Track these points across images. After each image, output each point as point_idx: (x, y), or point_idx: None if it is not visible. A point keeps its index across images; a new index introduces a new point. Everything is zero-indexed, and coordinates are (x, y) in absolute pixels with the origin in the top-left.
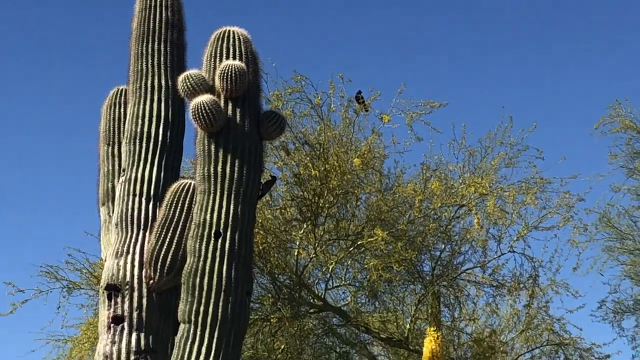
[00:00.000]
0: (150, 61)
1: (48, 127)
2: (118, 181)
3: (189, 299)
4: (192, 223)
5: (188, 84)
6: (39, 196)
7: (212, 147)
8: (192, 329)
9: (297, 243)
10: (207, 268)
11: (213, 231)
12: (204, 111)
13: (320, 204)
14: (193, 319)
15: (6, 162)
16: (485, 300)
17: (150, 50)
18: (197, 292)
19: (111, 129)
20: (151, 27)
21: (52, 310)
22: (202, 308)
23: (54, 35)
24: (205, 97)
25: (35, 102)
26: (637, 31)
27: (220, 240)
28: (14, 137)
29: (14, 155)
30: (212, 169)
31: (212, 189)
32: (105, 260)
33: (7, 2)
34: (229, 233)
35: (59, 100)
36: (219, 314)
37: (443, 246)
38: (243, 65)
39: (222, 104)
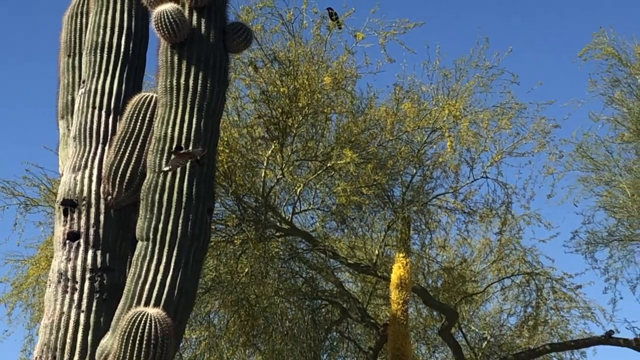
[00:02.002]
0: None
1: (4, 37)
2: (77, 93)
3: (148, 216)
4: (153, 137)
5: None
6: None
7: (175, 58)
8: (150, 247)
9: (264, 163)
10: (167, 184)
11: (174, 145)
12: (166, 20)
13: (289, 123)
14: (151, 236)
15: None
16: (457, 227)
17: None
18: (156, 209)
19: (72, 39)
20: None
21: (9, 228)
22: (160, 225)
23: None
24: (168, 6)
25: None
26: None
27: None
28: None
29: None
30: (174, 81)
31: (174, 101)
32: (63, 175)
33: None
34: (190, 148)
35: (17, 10)
36: (179, 231)
37: (415, 171)
38: None
39: (186, 13)
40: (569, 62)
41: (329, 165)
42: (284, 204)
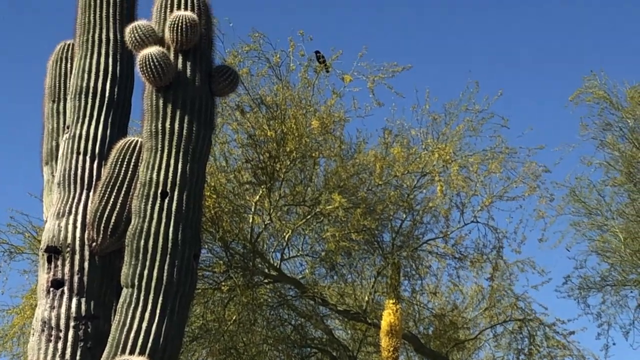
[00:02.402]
0: (98, 13)
1: None
2: (62, 139)
3: (133, 262)
4: (138, 182)
5: (136, 35)
6: None
7: (160, 102)
8: (135, 294)
9: (252, 209)
10: (153, 229)
11: (159, 190)
12: (151, 63)
13: (277, 168)
14: (136, 282)
15: None
16: (447, 272)
17: (97, 1)
18: (141, 255)
19: (57, 85)
20: None
21: None
22: (146, 271)
23: None
24: (153, 49)
25: None
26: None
27: (167, 200)
28: None
29: None
30: (159, 125)
31: (159, 146)
32: (47, 222)
33: None
34: (176, 193)
35: (3, 56)
36: (164, 277)
37: (404, 216)
38: (195, 16)
39: (171, 56)
40: (559, 106)
41: (317, 210)
42: (272, 250)
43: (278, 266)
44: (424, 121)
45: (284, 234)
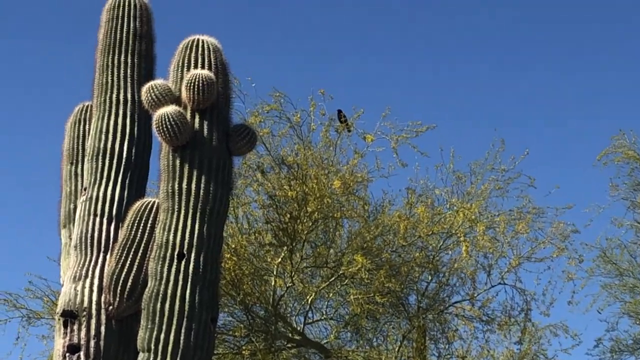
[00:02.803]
0: (115, 74)
1: (7, 146)
2: (79, 201)
3: (149, 326)
4: (154, 244)
5: (152, 94)
6: None
7: (177, 161)
8: (151, 358)
9: (274, 271)
10: (169, 292)
11: (176, 252)
12: (168, 123)
13: (298, 229)
14: (153, 347)
15: None
16: (475, 336)
17: (116, 62)
18: (157, 318)
19: (75, 147)
20: (117, 38)
21: (11, 342)
22: (162, 335)
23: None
24: (169, 109)
25: None
26: None
27: (183, 262)
28: None
29: None
30: (176, 186)
31: (176, 206)
32: (63, 285)
33: None
34: (193, 254)
35: (20, 117)
36: (181, 341)
37: (430, 277)
38: (212, 75)
39: (188, 115)
40: (587, 164)
41: (340, 272)
42: (295, 313)
43: (301, 330)
44: (448, 180)
45: (307, 296)
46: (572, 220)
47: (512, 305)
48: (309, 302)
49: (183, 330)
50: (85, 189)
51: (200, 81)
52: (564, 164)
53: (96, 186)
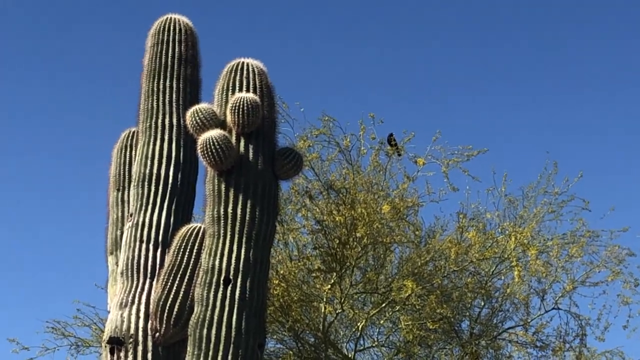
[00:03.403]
0: (161, 99)
1: (56, 172)
2: (126, 227)
3: (196, 352)
4: (201, 269)
5: (197, 118)
6: (45, 247)
7: (222, 186)
8: None
9: (323, 297)
10: (216, 318)
11: (222, 278)
12: (213, 147)
13: (347, 255)
14: None
15: (13, 211)
16: None
17: (161, 87)
18: (204, 344)
19: (121, 173)
20: (163, 63)
21: None
22: None
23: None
24: (214, 132)
25: (39, 149)
26: None
27: (230, 288)
28: (21, 189)
29: (22, 205)
30: (222, 210)
31: (222, 232)
32: (110, 312)
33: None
34: (239, 280)
35: (66, 145)
36: None
37: (482, 303)
38: (256, 98)
39: (233, 139)
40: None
41: (390, 298)
42: (346, 340)
43: (352, 357)
44: (500, 204)
45: (358, 323)
46: (628, 244)
47: (566, 331)
48: (360, 328)
49: (230, 357)
50: (131, 215)
51: (245, 104)
52: (619, 186)
53: (142, 212)
